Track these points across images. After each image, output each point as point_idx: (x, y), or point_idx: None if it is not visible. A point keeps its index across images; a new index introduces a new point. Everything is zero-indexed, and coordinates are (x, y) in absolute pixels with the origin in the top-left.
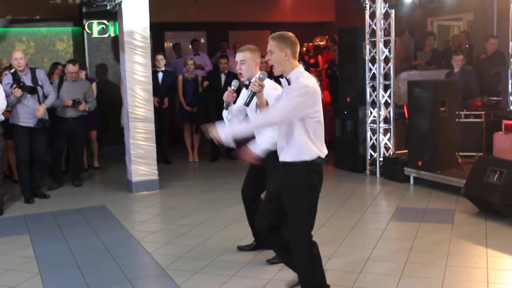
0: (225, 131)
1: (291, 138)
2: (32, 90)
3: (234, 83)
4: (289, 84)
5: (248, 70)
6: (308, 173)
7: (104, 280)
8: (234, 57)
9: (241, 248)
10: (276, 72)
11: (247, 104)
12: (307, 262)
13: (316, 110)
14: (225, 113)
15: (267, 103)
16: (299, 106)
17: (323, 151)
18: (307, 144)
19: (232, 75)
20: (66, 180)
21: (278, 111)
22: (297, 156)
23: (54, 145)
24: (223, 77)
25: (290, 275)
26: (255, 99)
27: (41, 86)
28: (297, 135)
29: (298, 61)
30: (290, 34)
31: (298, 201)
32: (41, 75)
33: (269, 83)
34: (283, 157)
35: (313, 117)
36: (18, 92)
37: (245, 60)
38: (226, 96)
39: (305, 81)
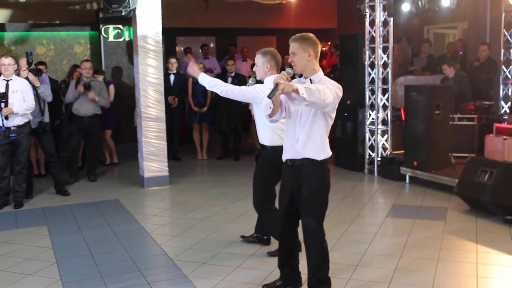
0: (300, 86)
1: (310, 135)
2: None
3: (251, 81)
4: None
5: (258, 72)
6: (324, 172)
7: (116, 270)
8: (242, 60)
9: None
10: (298, 72)
11: (270, 96)
12: (322, 255)
13: (335, 110)
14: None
15: (280, 103)
16: (338, 97)
17: (330, 151)
18: (324, 143)
19: (239, 78)
20: (82, 175)
21: (329, 92)
22: (316, 154)
23: (70, 142)
24: (229, 80)
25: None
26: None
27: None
28: (317, 133)
29: None
30: (311, 34)
31: (314, 200)
32: (42, 77)
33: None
34: (298, 155)
35: (332, 117)
36: None
37: (256, 64)
38: (278, 78)
39: (333, 81)
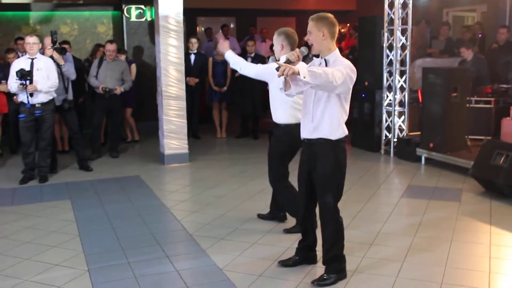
0: (303, 70)
1: (324, 114)
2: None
3: (271, 60)
4: (326, 65)
5: (275, 51)
6: (337, 151)
7: (136, 243)
8: (261, 41)
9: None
10: (315, 51)
11: (277, 69)
12: (335, 231)
13: (350, 91)
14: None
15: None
16: (350, 79)
17: (346, 130)
18: (340, 123)
19: (258, 58)
20: (104, 152)
21: (339, 74)
22: (329, 133)
23: (92, 119)
24: (249, 60)
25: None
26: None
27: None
28: (333, 112)
29: None
30: (329, 15)
31: (328, 178)
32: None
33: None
34: (313, 134)
35: (346, 99)
36: None
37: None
38: (290, 55)
39: (347, 62)
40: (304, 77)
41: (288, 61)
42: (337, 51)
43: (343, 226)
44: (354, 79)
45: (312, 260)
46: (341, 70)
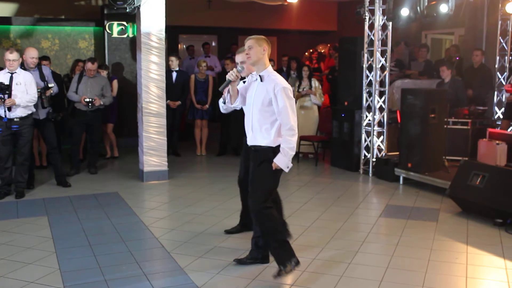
0: (285, 164)
1: (266, 126)
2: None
3: (240, 68)
4: (262, 81)
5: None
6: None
7: (114, 261)
8: None
9: (228, 231)
10: (251, 64)
11: (221, 89)
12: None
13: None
14: (221, 103)
15: (237, 93)
16: (290, 107)
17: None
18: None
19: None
20: (83, 168)
21: (291, 123)
22: (266, 142)
23: (72, 135)
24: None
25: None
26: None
27: (47, 81)
28: (270, 124)
29: (304, 65)
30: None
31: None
32: (46, 71)
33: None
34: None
35: None
36: None
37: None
38: (229, 75)
39: (280, 79)
40: (288, 166)
41: (229, 81)
42: (270, 67)
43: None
44: (292, 96)
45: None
46: (288, 115)
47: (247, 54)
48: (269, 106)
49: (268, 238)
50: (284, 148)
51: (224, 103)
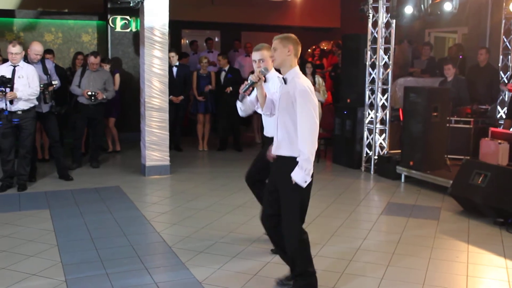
0: (301, 179)
1: (290, 132)
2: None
3: (263, 70)
4: (285, 83)
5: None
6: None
7: (115, 255)
8: (245, 56)
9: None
10: (276, 66)
11: (242, 90)
12: (298, 248)
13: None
14: (239, 104)
15: (265, 95)
16: (314, 110)
17: None
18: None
19: (232, 71)
20: (85, 162)
21: (310, 126)
22: (291, 151)
23: (74, 129)
24: (223, 74)
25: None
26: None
27: (50, 75)
28: (294, 130)
29: (306, 62)
30: (294, 35)
31: (291, 198)
32: (49, 65)
33: (274, 73)
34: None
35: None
36: None
37: (263, 59)
38: (252, 76)
39: (304, 85)
40: (306, 181)
41: (252, 82)
42: (296, 68)
43: (308, 243)
44: (316, 102)
45: None
46: (308, 119)
47: (272, 56)
48: (293, 111)
49: (300, 268)
50: (299, 161)
51: (241, 101)
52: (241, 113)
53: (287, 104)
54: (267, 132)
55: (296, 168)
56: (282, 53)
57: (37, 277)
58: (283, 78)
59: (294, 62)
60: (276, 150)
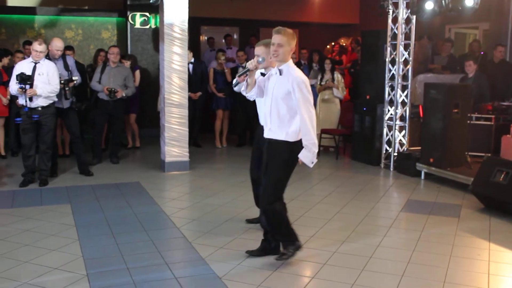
0: (309, 160)
1: (283, 119)
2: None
3: (261, 59)
4: (280, 74)
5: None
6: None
7: (136, 250)
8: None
9: (249, 221)
10: (278, 59)
11: (238, 75)
12: (272, 217)
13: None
14: (236, 88)
15: (255, 83)
16: (309, 102)
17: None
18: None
19: None
20: (105, 157)
21: (310, 114)
22: (282, 135)
23: (94, 125)
24: (240, 69)
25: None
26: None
27: (71, 71)
28: (289, 117)
29: (326, 58)
30: (291, 30)
31: (274, 172)
32: (70, 61)
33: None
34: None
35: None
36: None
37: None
38: (249, 63)
39: (299, 74)
40: (312, 162)
41: (247, 69)
42: (290, 61)
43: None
44: (310, 90)
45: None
46: (306, 107)
47: (275, 50)
48: (288, 99)
49: (274, 232)
50: (307, 144)
51: (235, 86)
52: (247, 95)
53: (283, 93)
54: (261, 120)
55: (304, 151)
56: (286, 52)
57: (59, 270)
58: (278, 69)
59: (289, 57)
60: (269, 133)
